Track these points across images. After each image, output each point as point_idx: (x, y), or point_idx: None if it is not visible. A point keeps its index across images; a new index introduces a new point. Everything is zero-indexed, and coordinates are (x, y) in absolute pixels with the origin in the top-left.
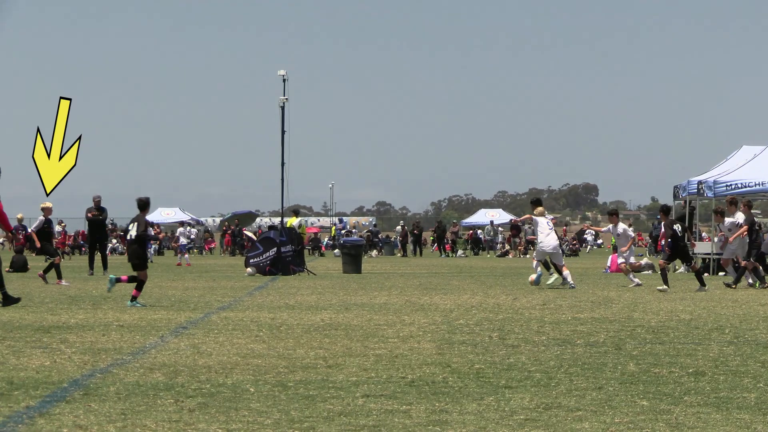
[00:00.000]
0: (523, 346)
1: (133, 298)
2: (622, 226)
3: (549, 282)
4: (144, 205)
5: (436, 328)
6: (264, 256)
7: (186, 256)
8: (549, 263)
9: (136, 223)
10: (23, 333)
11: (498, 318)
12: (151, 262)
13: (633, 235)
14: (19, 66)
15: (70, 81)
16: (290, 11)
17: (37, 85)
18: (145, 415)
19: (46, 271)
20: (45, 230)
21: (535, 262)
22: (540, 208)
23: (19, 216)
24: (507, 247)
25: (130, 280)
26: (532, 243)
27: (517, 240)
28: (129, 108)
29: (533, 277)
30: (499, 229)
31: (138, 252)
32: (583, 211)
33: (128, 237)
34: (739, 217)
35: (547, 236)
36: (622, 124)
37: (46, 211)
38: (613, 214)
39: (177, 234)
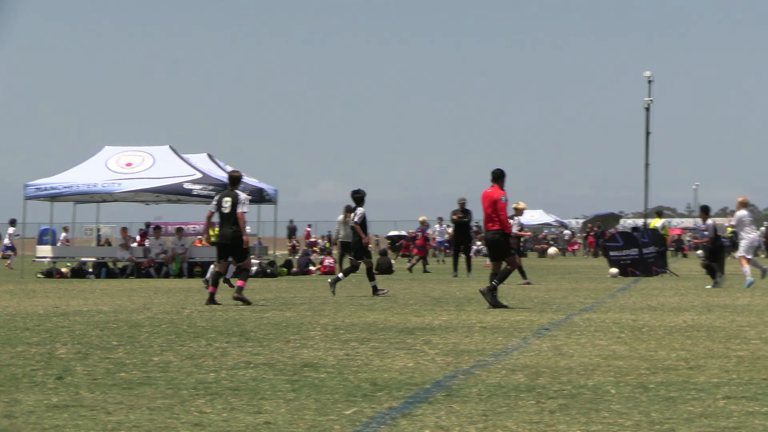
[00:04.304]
0: None
1: None
2: None
3: None
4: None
5: None
6: (623, 253)
7: None
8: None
9: None
10: (387, 334)
11: None
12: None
13: None
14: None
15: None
16: (655, 12)
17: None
18: (506, 417)
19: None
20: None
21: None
22: None
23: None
24: None
25: None
26: None
27: None
28: (485, 108)
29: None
30: None
31: None
32: None
33: None
34: None
35: None
36: None
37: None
38: None
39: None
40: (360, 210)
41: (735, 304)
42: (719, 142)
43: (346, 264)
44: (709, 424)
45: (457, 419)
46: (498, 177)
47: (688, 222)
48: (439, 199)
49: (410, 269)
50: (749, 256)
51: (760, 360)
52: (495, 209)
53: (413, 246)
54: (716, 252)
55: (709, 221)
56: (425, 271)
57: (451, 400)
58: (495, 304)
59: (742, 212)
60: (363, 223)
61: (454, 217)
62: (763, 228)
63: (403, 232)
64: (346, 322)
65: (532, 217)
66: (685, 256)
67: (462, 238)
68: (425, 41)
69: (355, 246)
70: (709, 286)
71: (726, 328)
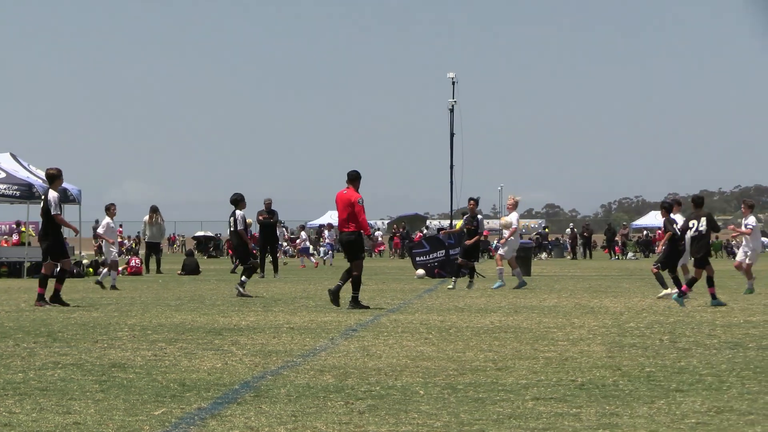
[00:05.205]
0: (694, 350)
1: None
2: None
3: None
4: None
5: (606, 331)
6: (431, 256)
7: (302, 258)
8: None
9: None
10: (195, 335)
11: (669, 321)
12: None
13: None
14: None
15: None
16: (460, 13)
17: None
18: (316, 417)
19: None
20: None
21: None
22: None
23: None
24: None
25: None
26: None
27: None
28: (296, 109)
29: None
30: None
31: None
32: (754, 213)
33: None
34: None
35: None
36: None
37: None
38: None
39: (301, 237)
40: (240, 213)
41: (542, 306)
42: (524, 143)
43: (153, 264)
44: (518, 425)
45: (266, 420)
46: (354, 179)
47: (494, 223)
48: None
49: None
50: (507, 257)
51: (568, 361)
52: (353, 211)
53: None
54: (474, 249)
55: (479, 216)
56: (233, 272)
57: (259, 400)
58: (357, 305)
59: (514, 216)
60: (245, 226)
61: (260, 217)
62: (568, 230)
63: (209, 233)
64: (153, 322)
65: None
66: (491, 257)
67: (268, 238)
68: (230, 44)
69: (238, 249)
70: (450, 287)
71: (533, 329)
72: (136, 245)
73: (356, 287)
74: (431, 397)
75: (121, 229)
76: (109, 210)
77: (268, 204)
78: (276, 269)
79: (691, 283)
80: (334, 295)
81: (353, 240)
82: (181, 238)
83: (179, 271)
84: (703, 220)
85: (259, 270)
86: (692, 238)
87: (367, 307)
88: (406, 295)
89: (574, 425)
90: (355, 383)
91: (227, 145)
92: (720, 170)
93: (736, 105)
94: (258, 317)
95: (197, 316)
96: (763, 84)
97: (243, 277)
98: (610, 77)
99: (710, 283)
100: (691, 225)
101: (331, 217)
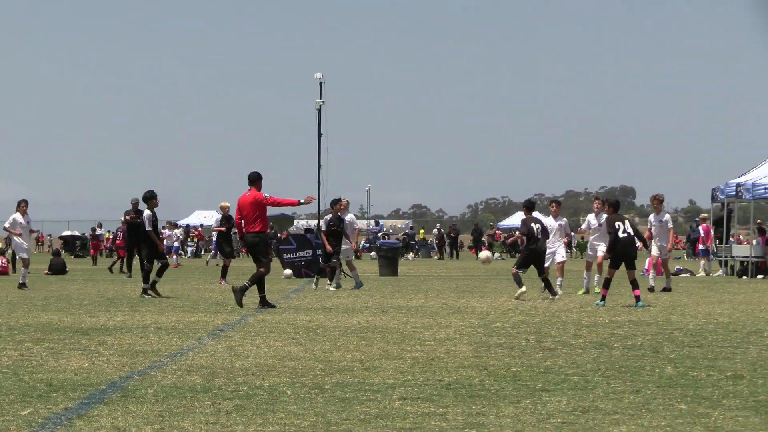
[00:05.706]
0: (560, 349)
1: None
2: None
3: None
4: None
5: (473, 331)
6: (297, 254)
7: (174, 257)
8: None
9: None
10: (62, 335)
11: (535, 321)
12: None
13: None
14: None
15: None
16: (326, 13)
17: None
18: (183, 417)
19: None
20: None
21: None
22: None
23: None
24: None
25: None
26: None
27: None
28: (161, 110)
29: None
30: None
31: None
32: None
33: None
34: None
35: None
36: (660, 125)
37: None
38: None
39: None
40: (147, 213)
41: (409, 306)
42: (391, 144)
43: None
44: (385, 425)
45: (134, 420)
46: (255, 180)
47: (362, 224)
48: (113, 199)
49: (110, 268)
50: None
51: (435, 361)
52: (261, 210)
53: (113, 245)
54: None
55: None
56: (111, 270)
57: (127, 400)
58: (239, 301)
59: (351, 216)
60: (153, 226)
61: (128, 217)
62: (435, 230)
63: (76, 232)
64: (20, 322)
65: (205, 218)
66: (358, 257)
67: (135, 238)
68: (93, 43)
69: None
70: (314, 288)
71: (400, 329)
72: (4, 245)
73: (261, 287)
74: (298, 397)
75: None
76: (20, 206)
77: (135, 204)
78: (146, 279)
79: (634, 285)
80: (239, 295)
81: (258, 241)
82: (48, 238)
83: (46, 271)
84: (627, 222)
85: (126, 270)
86: (622, 240)
87: (274, 306)
88: (274, 295)
89: (441, 425)
90: (222, 383)
91: (93, 144)
92: (586, 171)
93: (600, 107)
94: (125, 317)
95: (64, 316)
96: (627, 87)
97: (156, 277)
98: (476, 78)
99: (635, 285)
100: (617, 226)
101: (199, 216)
